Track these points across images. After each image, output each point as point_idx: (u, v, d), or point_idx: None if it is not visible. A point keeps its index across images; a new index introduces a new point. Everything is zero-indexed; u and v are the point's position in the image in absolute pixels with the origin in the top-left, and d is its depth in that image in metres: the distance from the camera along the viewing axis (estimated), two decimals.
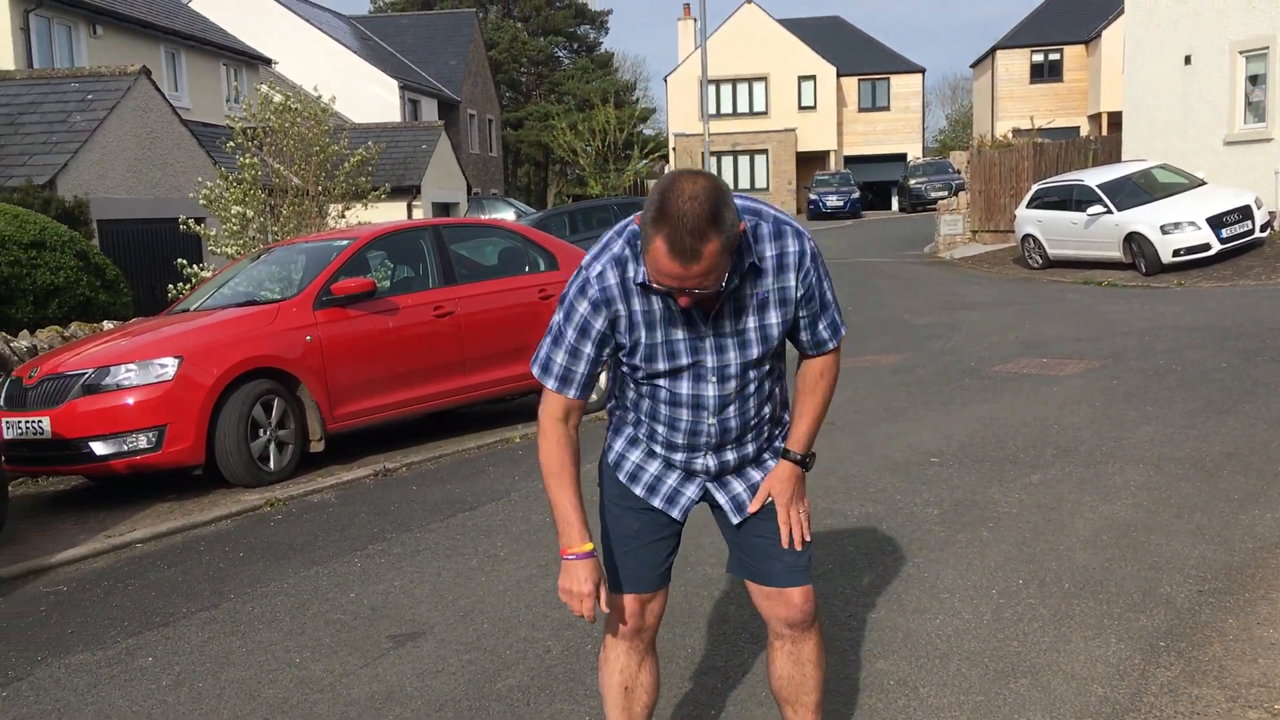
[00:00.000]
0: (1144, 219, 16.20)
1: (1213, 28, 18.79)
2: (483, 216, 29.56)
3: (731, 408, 2.66)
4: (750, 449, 2.77)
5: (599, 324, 2.56)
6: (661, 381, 2.64)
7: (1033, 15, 48.19)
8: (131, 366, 7.13)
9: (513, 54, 55.40)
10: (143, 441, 7.03)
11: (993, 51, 47.31)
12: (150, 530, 6.46)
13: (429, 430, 8.93)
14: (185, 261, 12.27)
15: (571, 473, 2.65)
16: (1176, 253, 15.74)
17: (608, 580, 2.74)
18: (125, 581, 5.61)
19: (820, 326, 2.69)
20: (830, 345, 2.73)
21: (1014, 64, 46.29)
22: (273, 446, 7.45)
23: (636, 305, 2.55)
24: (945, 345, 11.08)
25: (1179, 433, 6.79)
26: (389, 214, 19.02)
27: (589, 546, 2.61)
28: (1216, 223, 15.69)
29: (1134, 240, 16.29)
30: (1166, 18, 19.71)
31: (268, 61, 27.44)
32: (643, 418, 2.76)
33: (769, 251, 2.55)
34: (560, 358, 2.60)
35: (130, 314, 10.82)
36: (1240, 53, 18.37)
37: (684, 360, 2.60)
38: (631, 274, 2.53)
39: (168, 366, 7.12)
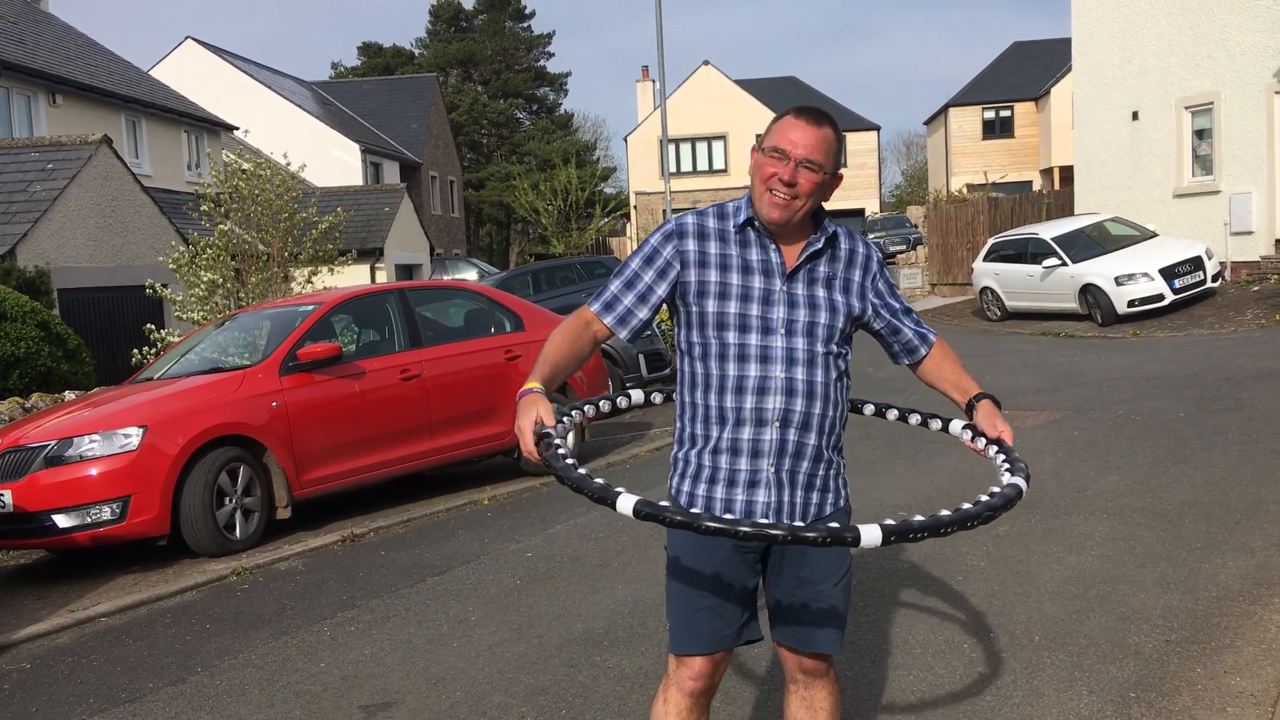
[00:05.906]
0: (1099, 271, 16.52)
1: (1158, 85, 19.34)
2: (445, 277, 29.61)
3: (800, 368, 2.70)
4: (807, 458, 2.72)
5: (666, 252, 2.76)
6: (730, 336, 2.71)
7: (983, 74, 49.32)
8: (95, 437, 7.06)
9: (473, 116, 55.82)
10: (106, 513, 6.94)
11: (945, 109, 48.30)
12: (114, 603, 6.36)
13: (396, 493, 8.88)
14: (153, 326, 12.22)
15: (568, 343, 2.77)
16: (1131, 303, 16.03)
17: (676, 641, 2.79)
18: (90, 657, 5.52)
19: (913, 320, 2.98)
20: (933, 337, 3.01)
21: (966, 121, 47.24)
22: (238, 514, 7.38)
23: (712, 248, 2.75)
24: (908, 398, 11.18)
25: (1140, 482, 6.90)
26: (352, 277, 19.01)
27: (532, 385, 2.67)
28: (1169, 273, 16.03)
29: (1089, 291, 16.58)
30: (1113, 76, 20.25)
31: (230, 128, 27.51)
32: (708, 415, 2.72)
33: (844, 244, 2.84)
34: (616, 286, 2.79)
35: (92, 383, 10.72)
36: (1186, 108, 18.90)
37: (755, 305, 2.71)
38: (713, 223, 2.78)
39: (132, 436, 7.05)
